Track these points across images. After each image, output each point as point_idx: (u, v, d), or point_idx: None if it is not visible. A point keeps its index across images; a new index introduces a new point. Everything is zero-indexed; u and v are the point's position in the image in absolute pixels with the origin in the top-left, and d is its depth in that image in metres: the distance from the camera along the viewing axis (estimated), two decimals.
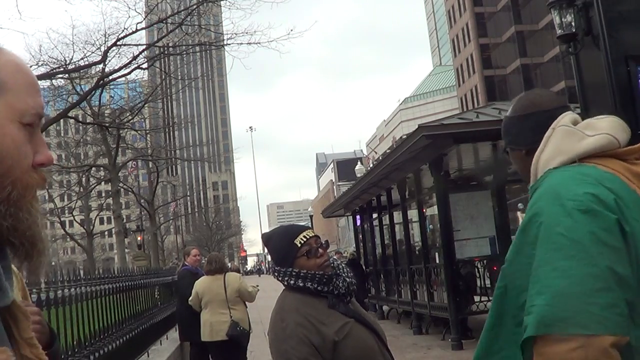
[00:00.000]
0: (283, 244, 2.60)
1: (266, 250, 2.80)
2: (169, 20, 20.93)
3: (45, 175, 0.94)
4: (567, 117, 1.67)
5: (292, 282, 2.54)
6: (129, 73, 21.54)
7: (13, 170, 0.87)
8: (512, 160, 1.81)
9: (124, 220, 36.23)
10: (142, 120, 31.90)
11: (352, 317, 2.50)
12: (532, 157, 1.66)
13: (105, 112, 28.73)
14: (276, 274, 2.61)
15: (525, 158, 1.72)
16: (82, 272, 5.14)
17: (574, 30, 7.81)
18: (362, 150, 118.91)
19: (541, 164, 1.62)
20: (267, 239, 2.70)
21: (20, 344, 0.90)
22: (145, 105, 29.01)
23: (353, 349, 2.42)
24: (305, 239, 2.56)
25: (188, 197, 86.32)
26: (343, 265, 2.70)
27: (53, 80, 21.25)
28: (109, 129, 25.31)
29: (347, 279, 2.58)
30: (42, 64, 18.30)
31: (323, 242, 2.63)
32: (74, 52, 25.21)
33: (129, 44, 19.84)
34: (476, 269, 11.18)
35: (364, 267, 17.21)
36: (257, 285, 7.75)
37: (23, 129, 0.89)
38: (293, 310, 2.49)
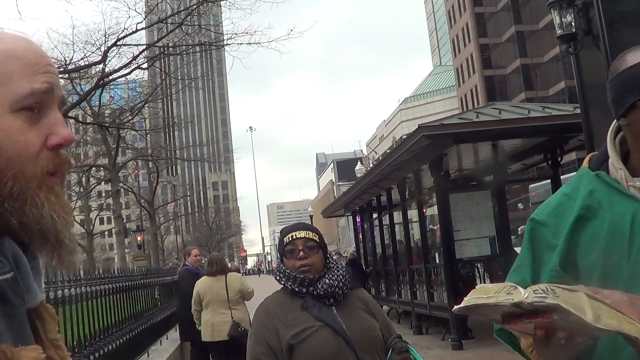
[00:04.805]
0: (280, 238, 2.68)
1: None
2: (169, 20, 20.92)
3: (65, 157, 0.88)
4: None
5: (278, 278, 2.61)
6: (129, 73, 21.57)
7: (11, 163, 0.82)
8: None
9: (124, 220, 36.23)
10: (142, 120, 31.88)
11: (322, 322, 2.48)
12: None
13: (105, 112, 28.72)
14: (276, 268, 2.70)
15: None
16: (82, 272, 5.13)
17: (574, 30, 7.83)
18: (362, 150, 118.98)
19: None
20: (280, 231, 2.80)
21: (46, 344, 0.89)
22: (145, 105, 28.98)
23: (310, 354, 2.43)
24: (291, 239, 2.59)
25: (188, 197, 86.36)
26: (339, 265, 2.69)
27: None
28: (109, 129, 25.30)
29: (327, 281, 2.55)
30: None
31: (316, 245, 2.61)
32: (74, 52, 25.22)
33: (129, 44, 19.85)
34: (476, 269, 11.18)
35: (364, 267, 17.22)
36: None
37: (20, 116, 0.84)
38: (264, 310, 2.60)
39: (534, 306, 1.20)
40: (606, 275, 1.45)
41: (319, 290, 2.53)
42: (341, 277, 2.60)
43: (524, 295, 1.20)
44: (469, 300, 1.28)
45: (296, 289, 2.53)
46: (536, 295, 1.20)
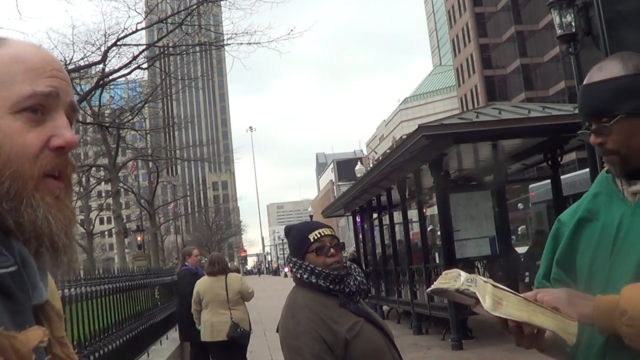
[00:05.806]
0: (299, 236, 2.63)
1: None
2: (169, 20, 20.95)
3: (67, 159, 0.88)
4: None
5: (305, 276, 2.54)
6: (129, 73, 21.61)
7: (9, 163, 0.83)
8: (628, 130, 1.48)
9: (124, 220, 36.25)
10: (142, 120, 31.91)
11: (363, 317, 2.52)
12: None
13: (105, 112, 28.74)
14: (291, 264, 2.63)
15: None
16: (82, 272, 5.13)
17: (574, 30, 7.84)
18: (362, 150, 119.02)
19: None
20: (288, 229, 2.75)
21: (52, 342, 0.91)
22: (145, 105, 29.02)
23: (364, 347, 2.45)
24: (319, 236, 2.58)
25: (188, 197, 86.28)
26: (355, 265, 2.72)
27: None
28: (109, 129, 25.31)
29: (358, 278, 2.59)
30: None
31: (339, 244, 2.65)
32: (74, 52, 25.15)
33: (129, 44, 19.90)
34: (476, 269, 11.17)
35: (364, 267, 17.23)
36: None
37: (20, 118, 0.85)
38: (305, 307, 2.51)
39: (466, 293, 1.36)
40: (592, 274, 1.51)
41: (351, 287, 2.55)
42: (362, 274, 2.67)
43: (461, 283, 1.36)
44: (435, 284, 1.44)
45: (330, 287, 2.52)
46: (466, 284, 1.36)
